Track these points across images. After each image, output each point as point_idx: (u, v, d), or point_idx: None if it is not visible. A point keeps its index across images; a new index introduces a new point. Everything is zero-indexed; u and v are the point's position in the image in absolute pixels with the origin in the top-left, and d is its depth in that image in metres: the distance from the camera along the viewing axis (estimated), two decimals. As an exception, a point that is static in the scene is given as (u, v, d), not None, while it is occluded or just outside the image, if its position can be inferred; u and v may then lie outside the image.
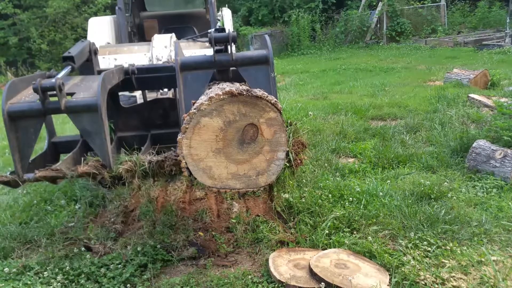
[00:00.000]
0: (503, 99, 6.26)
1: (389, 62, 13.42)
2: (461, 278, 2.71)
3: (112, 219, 3.74)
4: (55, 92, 2.45)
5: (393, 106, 7.26)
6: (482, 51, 13.59)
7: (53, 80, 2.45)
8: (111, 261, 3.11)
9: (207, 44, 4.54)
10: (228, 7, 7.53)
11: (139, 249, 3.19)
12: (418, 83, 9.56)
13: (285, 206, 3.68)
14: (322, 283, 2.61)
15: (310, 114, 6.76)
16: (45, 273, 3.02)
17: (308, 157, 3.63)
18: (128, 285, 2.88)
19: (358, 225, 3.37)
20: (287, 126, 2.51)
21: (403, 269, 2.79)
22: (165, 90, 4.44)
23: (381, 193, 3.83)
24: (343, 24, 19.67)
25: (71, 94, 2.66)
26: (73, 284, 2.92)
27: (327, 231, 3.26)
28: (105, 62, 4.61)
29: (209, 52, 2.97)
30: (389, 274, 2.76)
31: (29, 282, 2.92)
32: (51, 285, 2.89)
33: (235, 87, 2.41)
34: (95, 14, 17.56)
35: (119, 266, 3.05)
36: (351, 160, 5.06)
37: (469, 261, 2.86)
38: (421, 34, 18.31)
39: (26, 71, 17.16)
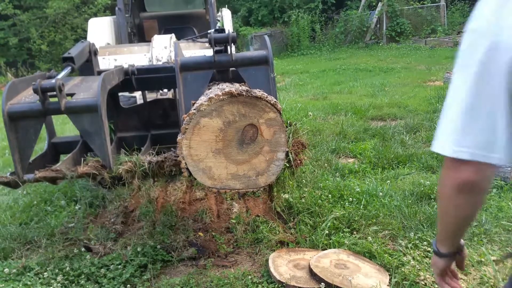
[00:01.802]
0: (503, 99, 6.24)
1: (389, 62, 13.42)
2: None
3: (112, 220, 3.74)
4: (55, 92, 2.46)
5: (393, 106, 7.26)
6: (482, 51, 13.58)
7: (53, 80, 2.46)
8: (111, 262, 3.11)
9: (207, 44, 4.53)
10: (228, 8, 7.54)
11: (139, 249, 3.19)
12: (418, 83, 9.56)
13: (285, 206, 3.68)
14: (322, 283, 2.61)
15: (310, 115, 6.76)
16: (45, 273, 3.01)
17: (308, 157, 3.62)
18: (128, 285, 2.87)
19: (358, 226, 3.37)
20: (287, 127, 2.51)
21: (403, 269, 2.79)
22: (165, 90, 4.44)
23: (381, 193, 3.83)
24: (343, 25, 19.69)
25: (71, 95, 2.67)
26: (73, 284, 2.92)
27: (327, 232, 3.26)
28: (105, 62, 4.60)
29: (209, 52, 2.96)
30: (389, 274, 2.76)
31: (29, 283, 2.92)
32: (51, 286, 2.89)
33: (235, 87, 2.41)
34: (95, 15, 17.58)
35: (119, 266, 3.05)
36: (351, 160, 5.06)
37: (469, 261, 2.86)
38: (421, 34, 18.31)
39: (26, 72, 17.17)
